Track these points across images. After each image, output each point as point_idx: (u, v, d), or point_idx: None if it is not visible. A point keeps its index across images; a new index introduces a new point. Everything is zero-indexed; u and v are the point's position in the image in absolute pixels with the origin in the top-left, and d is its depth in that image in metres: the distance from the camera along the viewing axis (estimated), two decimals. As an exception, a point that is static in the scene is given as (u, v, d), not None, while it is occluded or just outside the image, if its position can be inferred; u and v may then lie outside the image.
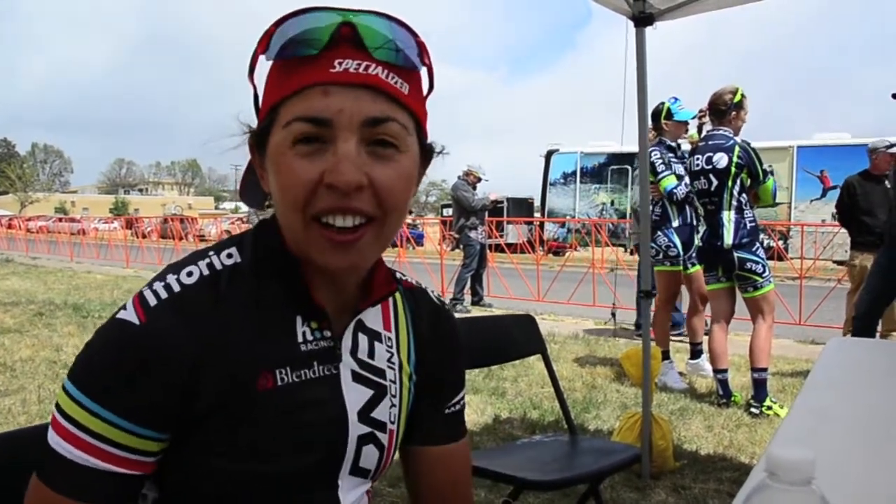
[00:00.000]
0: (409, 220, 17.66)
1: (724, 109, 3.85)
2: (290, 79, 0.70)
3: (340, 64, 0.69)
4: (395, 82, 0.71)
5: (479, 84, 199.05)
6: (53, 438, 0.70)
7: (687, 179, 4.34)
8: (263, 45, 0.72)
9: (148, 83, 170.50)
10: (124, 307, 0.73)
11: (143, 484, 0.74)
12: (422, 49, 0.74)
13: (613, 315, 6.44)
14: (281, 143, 0.71)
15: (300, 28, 0.69)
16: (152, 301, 0.72)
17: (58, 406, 0.71)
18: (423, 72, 0.76)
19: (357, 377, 0.82)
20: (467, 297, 8.29)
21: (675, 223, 4.48)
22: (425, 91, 0.77)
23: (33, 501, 0.72)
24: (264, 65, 0.74)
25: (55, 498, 0.70)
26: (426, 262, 11.20)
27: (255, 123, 0.77)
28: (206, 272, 0.76)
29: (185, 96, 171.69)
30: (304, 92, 0.69)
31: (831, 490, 0.57)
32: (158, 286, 0.74)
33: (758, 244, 3.80)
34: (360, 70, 0.69)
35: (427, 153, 0.79)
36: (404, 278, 0.94)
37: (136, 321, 0.71)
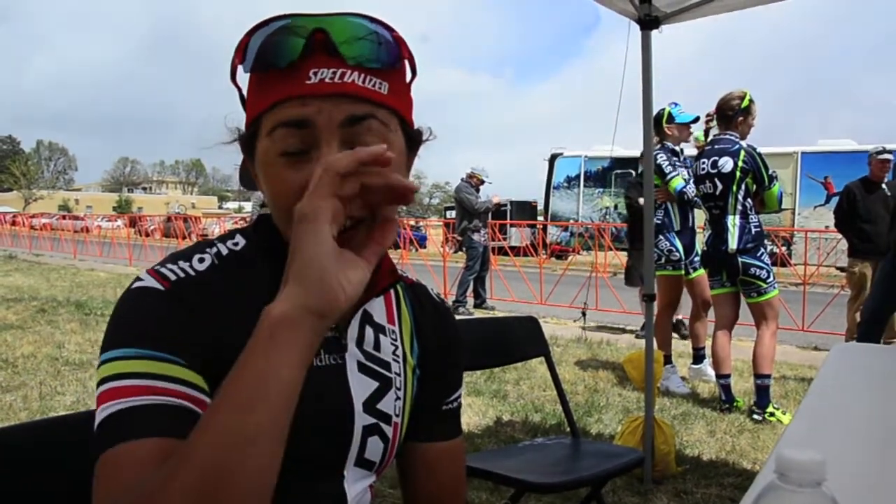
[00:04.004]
0: (412, 221, 17.63)
1: (731, 114, 3.84)
2: (267, 92, 0.70)
3: (315, 74, 0.68)
4: (373, 84, 0.70)
5: (485, 88, 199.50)
6: (106, 406, 0.65)
7: (692, 183, 4.34)
8: (240, 55, 0.72)
9: (154, 82, 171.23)
10: (139, 279, 0.73)
11: None
12: (400, 44, 0.73)
13: (584, 315, 6.31)
14: (267, 151, 0.72)
15: (273, 38, 0.69)
16: (172, 276, 0.73)
17: (101, 380, 0.68)
18: (405, 63, 0.75)
19: (363, 368, 0.83)
20: (470, 300, 8.27)
21: (677, 227, 4.47)
22: (409, 78, 0.76)
23: (108, 474, 0.63)
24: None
25: (127, 448, 0.63)
26: (429, 263, 11.20)
27: (242, 124, 0.77)
28: (216, 261, 0.77)
29: (190, 95, 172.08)
30: (283, 104, 0.69)
31: (837, 495, 0.56)
32: (172, 267, 0.74)
33: (762, 249, 3.77)
34: (336, 79, 0.68)
35: (414, 141, 0.79)
36: (404, 274, 0.94)
37: (161, 287, 0.72)
